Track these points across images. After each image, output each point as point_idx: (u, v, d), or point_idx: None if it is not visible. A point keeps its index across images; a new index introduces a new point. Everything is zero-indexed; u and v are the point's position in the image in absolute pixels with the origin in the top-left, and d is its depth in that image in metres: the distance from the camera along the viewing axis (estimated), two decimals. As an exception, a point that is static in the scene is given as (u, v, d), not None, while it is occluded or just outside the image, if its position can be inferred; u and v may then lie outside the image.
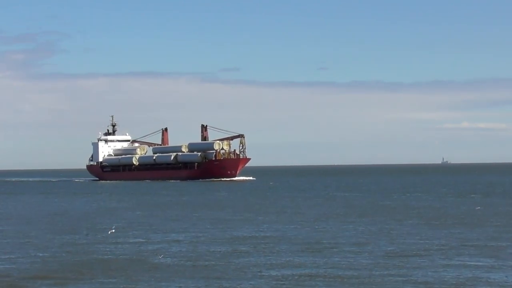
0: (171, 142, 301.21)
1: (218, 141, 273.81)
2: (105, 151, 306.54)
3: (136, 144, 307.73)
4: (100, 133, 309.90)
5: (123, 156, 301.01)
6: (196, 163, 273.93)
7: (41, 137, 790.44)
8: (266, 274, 51.04)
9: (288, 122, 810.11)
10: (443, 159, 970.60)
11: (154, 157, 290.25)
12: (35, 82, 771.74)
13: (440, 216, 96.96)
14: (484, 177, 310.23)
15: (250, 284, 47.68)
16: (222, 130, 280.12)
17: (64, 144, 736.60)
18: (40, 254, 63.03)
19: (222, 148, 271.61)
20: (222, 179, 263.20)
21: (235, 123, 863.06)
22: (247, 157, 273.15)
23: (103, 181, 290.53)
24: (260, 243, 67.77)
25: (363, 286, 47.13)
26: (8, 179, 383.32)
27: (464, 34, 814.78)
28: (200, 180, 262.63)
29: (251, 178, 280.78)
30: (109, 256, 61.13)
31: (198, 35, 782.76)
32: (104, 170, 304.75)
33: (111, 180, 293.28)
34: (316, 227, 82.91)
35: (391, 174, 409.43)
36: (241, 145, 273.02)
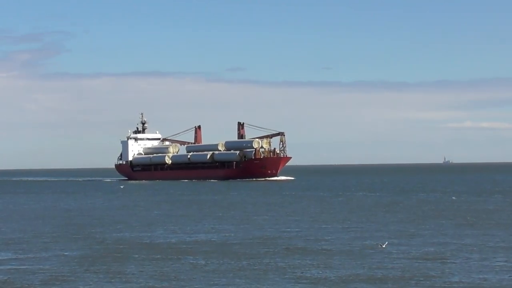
0: (204, 141, 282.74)
1: (257, 139, 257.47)
2: (135, 149, 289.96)
3: (167, 143, 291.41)
4: (129, 131, 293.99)
5: (155, 155, 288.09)
6: (234, 162, 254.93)
7: (46, 137, 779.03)
8: (306, 275, 50.43)
9: (292, 122, 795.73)
10: (444, 158, 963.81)
11: (188, 156, 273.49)
12: (40, 81, 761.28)
13: (468, 215, 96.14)
14: (496, 176, 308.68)
15: (291, 285, 47.09)
16: (260, 127, 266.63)
17: (69, 144, 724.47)
18: (67, 253, 62.27)
19: (262, 147, 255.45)
20: (262, 178, 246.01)
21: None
22: (288, 156, 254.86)
23: (134, 181, 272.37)
24: (294, 243, 66.94)
25: (403, 287, 46.69)
26: (22, 178, 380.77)
27: (468, 34, 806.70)
28: (239, 180, 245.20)
29: (290, 178, 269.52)
30: (142, 256, 60.18)
31: (203, 35, 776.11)
32: (135, 169, 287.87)
33: (142, 179, 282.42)
34: (347, 227, 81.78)
35: (396, 173, 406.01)
36: (281, 143, 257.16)
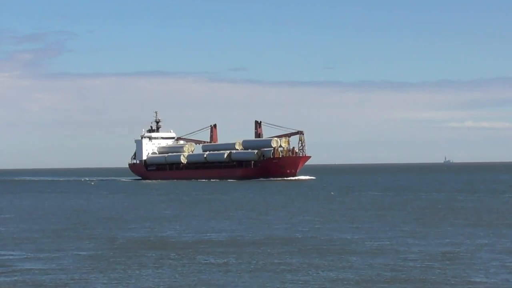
0: (220, 140, 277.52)
1: (276, 138, 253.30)
2: (149, 149, 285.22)
3: (182, 142, 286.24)
4: (143, 130, 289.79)
5: (170, 154, 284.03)
6: (252, 162, 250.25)
7: (48, 137, 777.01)
8: (323, 275, 50.08)
9: (293, 122, 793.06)
10: (445, 158, 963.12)
11: (205, 155, 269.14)
12: (43, 81, 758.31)
13: (484, 215, 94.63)
14: (500, 176, 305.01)
15: (311, 285, 46.70)
16: (279, 126, 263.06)
17: (71, 144, 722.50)
18: (79, 253, 61.53)
19: (280, 146, 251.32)
20: (281, 178, 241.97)
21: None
22: (307, 155, 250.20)
23: (149, 181, 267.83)
24: (310, 243, 66.29)
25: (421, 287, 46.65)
26: (25, 178, 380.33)
27: (469, 33, 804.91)
28: (257, 179, 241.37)
29: (311, 177, 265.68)
30: (157, 256, 59.35)
31: (205, 35, 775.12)
32: (149, 168, 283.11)
33: (157, 179, 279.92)
34: (360, 227, 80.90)
35: (397, 173, 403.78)
36: (300, 142, 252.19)
